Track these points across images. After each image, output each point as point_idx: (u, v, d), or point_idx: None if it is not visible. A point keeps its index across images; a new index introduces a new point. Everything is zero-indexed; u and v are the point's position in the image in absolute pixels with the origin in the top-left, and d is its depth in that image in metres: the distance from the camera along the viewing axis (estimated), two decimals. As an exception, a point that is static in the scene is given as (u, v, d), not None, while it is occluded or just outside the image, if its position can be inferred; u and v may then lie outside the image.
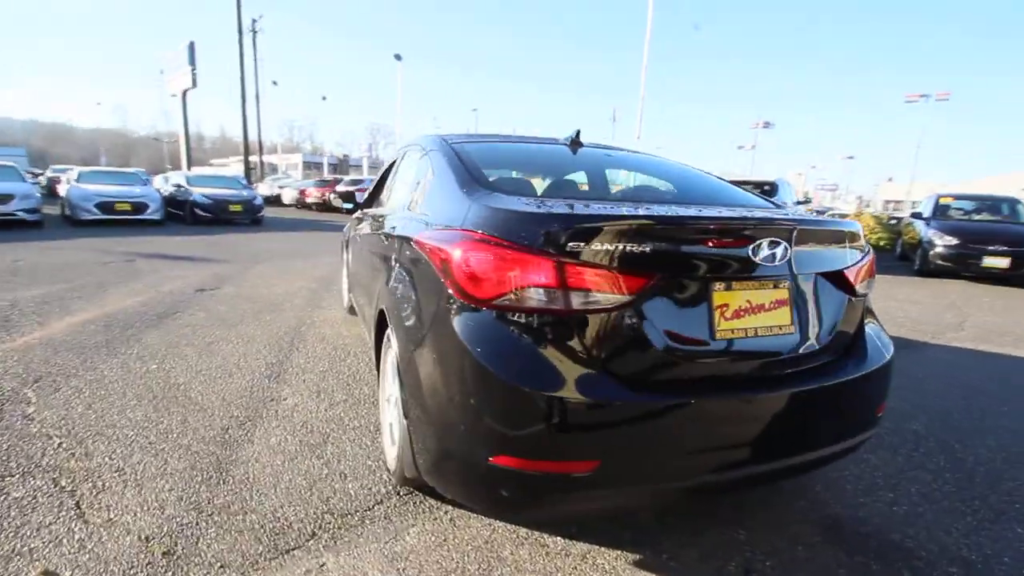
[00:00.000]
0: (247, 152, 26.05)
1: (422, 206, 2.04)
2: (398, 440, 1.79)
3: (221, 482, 1.95)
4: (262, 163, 31.58)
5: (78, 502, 1.80)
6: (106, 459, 2.08)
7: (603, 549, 1.67)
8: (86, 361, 3.17)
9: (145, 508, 1.78)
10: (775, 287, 1.49)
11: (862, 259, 1.70)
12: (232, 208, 12.95)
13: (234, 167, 37.11)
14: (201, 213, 12.60)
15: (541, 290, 1.30)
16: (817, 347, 1.54)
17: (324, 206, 21.06)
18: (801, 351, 1.51)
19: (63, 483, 1.90)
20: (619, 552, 1.66)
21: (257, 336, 3.82)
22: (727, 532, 1.78)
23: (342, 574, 1.51)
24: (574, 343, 1.30)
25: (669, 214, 1.46)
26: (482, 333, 1.35)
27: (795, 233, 1.47)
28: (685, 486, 1.40)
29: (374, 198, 3.83)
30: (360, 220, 3.75)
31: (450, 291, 1.42)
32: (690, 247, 1.37)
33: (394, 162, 3.46)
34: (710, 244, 1.38)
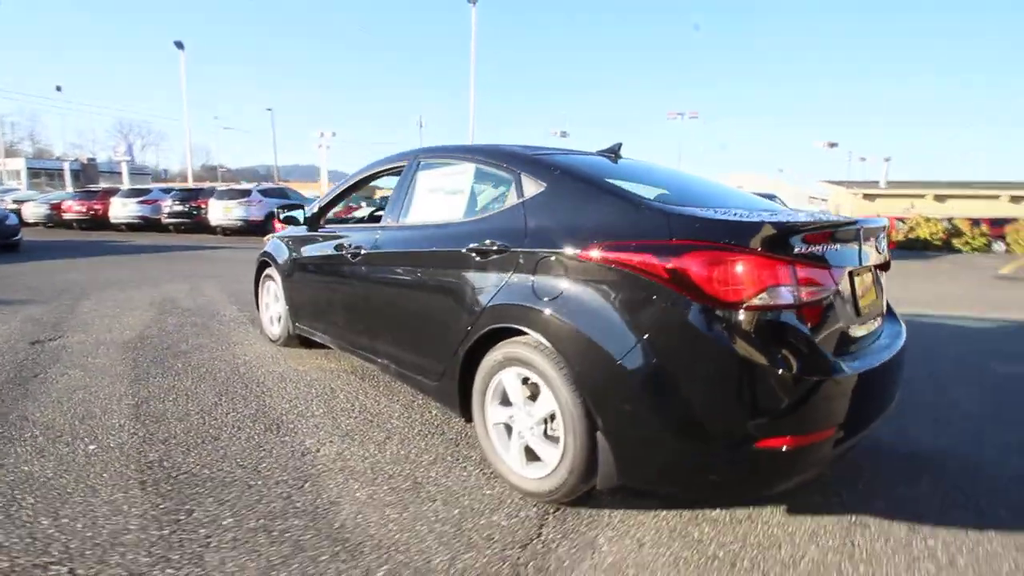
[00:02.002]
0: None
1: (518, 221, 2.00)
2: (569, 453, 1.76)
3: None
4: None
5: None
6: None
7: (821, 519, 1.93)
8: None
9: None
10: (868, 272, 1.92)
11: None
12: (-30, 232, 9.67)
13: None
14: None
15: (783, 288, 1.48)
16: (883, 319, 2.04)
17: (93, 223, 17.04)
18: (884, 323, 1.98)
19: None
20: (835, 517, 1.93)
21: (201, 392, 3.09)
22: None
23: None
24: (808, 331, 1.51)
25: (844, 219, 1.76)
26: (746, 331, 1.47)
27: (875, 231, 1.93)
28: (856, 441, 1.73)
29: (324, 216, 3.44)
30: (309, 240, 3.34)
31: (689, 298, 1.50)
32: (850, 245, 1.71)
33: (370, 175, 3.18)
34: (854, 242, 1.73)
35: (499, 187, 2.33)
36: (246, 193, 15.77)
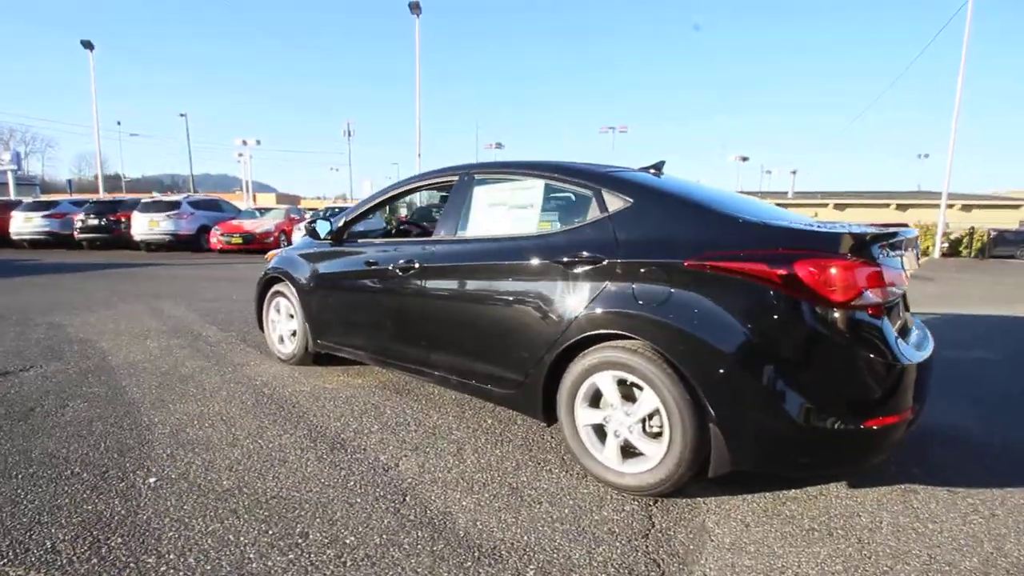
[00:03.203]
0: None
1: (606, 233, 2.15)
2: (677, 447, 1.91)
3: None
4: None
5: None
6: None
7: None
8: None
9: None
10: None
11: None
12: None
13: None
14: None
15: (876, 289, 1.73)
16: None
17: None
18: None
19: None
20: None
21: (235, 416, 2.93)
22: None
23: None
24: (891, 326, 1.78)
25: (901, 229, 2.01)
26: (851, 326, 1.71)
27: (913, 241, 2.24)
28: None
29: (347, 231, 3.40)
30: (338, 255, 3.30)
31: (800, 299, 1.71)
32: (901, 251, 2.01)
33: (406, 190, 3.19)
34: (902, 249, 2.04)
35: (576, 202, 2.47)
36: (175, 205, 14.67)
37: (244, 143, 36.94)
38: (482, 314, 2.54)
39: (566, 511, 2.01)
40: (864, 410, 1.71)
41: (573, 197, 2.49)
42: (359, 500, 2.07)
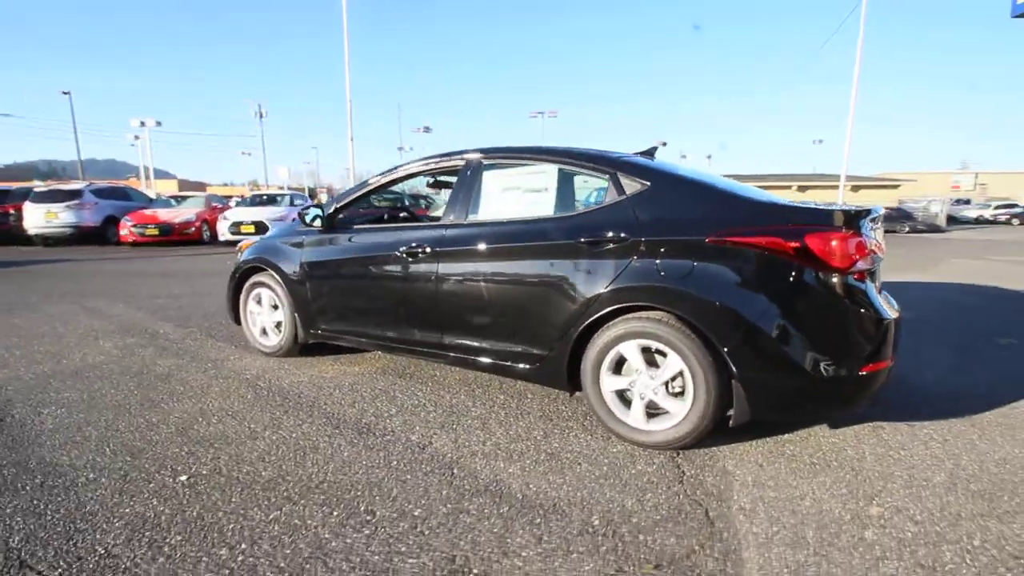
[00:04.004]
0: None
1: (626, 214, 2.33)
2: (700, 403, 2.14)
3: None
4: None
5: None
6: None
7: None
8: None
9: None
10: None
11: None
12: None
13: None
14: None
15: (868, 257, 2.04)
16: None
17: None
18: None
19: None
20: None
21: (241, 410, 2.84)
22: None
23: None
24: (874, 288, 2.10)
25: (876, 207, 2.33)
26: (852, 289, 2.00)
27: (880, 217, 2.61)
28: None
29: (337, 218, 3.35)
30: (333, 241, 3.25)
31: (810, 268, 1.98)
32: (875, 225, 2.35)
33: (404, 176, 3.20)
34: (875, 223, 2.38)
35: (592, 185, 2.62)
36: (76, 194, 13.16)
37: (142, 124, 33.47)
38: (502, 295, 2.64)
39: (605, 468, 2.20)
40: (860, 359, 2.03)
41: (588, 181, 2.64)
42: (409, 477, 2.13)
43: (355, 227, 3.27)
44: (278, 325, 3.66)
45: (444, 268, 2.77)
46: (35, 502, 1.95)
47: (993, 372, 3.41)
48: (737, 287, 2.10)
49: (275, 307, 3.65)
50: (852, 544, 1.71)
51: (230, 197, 20.33)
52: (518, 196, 2.70)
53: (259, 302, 3.73)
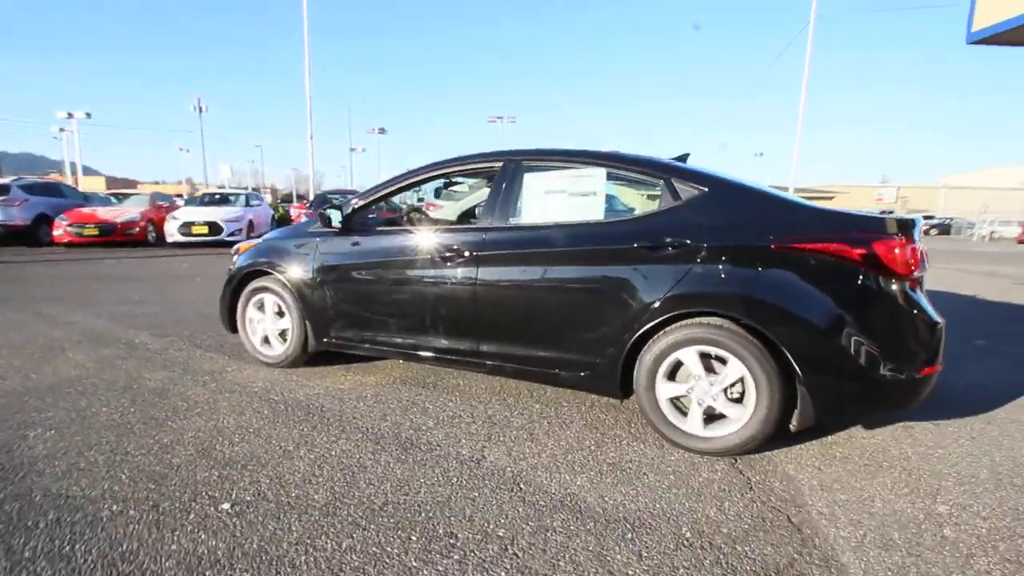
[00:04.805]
0: None
1: (683, 219, 2.33)
2: (763, 408, 2.15)
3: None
4: None
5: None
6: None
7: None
8: None
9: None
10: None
11: None
12: None
13: None
14: None
15: (920, 264, 2.12)
16: None
17: None
18: None
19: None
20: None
21: (261, 427, 2.60)
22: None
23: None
24: (925, 292, 2.19)
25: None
26: (911, 294, 2.08)
27: None
28: None
29: (355, 218, 3.16)
30: (355, 244, 3.07)
31: (875, 274, 2.03)
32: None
33: (432, 175, 3.07)
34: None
35: (644, 190, 2.58)
36: (3, 190, 11.92)
37: (70, 116, 30.81)
38: (549, 300, 2.57)
39: (672, 478, 2.16)
40: (919, 363, 2.10)
41: (641, 186, 2.61)
42: (476, 494, 2.02)
43: (379, 229, 3.10)
44: (282, 333, 3.42)
45: (485, 273, 2.67)
46: (57, 542, 1.70)
47: (985, 373, 3.66)
48: (804, 292, 2.12)
49: (279, 314, 3.41)
50: (937, 543, 1.76)
51: (179, 195, 19.10)
52: (563, 200, 2.63)
53: (261, 308, 3.47)
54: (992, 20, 5.39)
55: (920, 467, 2.27)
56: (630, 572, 1.60)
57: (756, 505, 1.97)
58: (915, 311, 2.11)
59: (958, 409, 2.93)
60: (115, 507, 1.89)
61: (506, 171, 2.76)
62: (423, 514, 1.88)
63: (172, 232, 12.27)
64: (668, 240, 2.32)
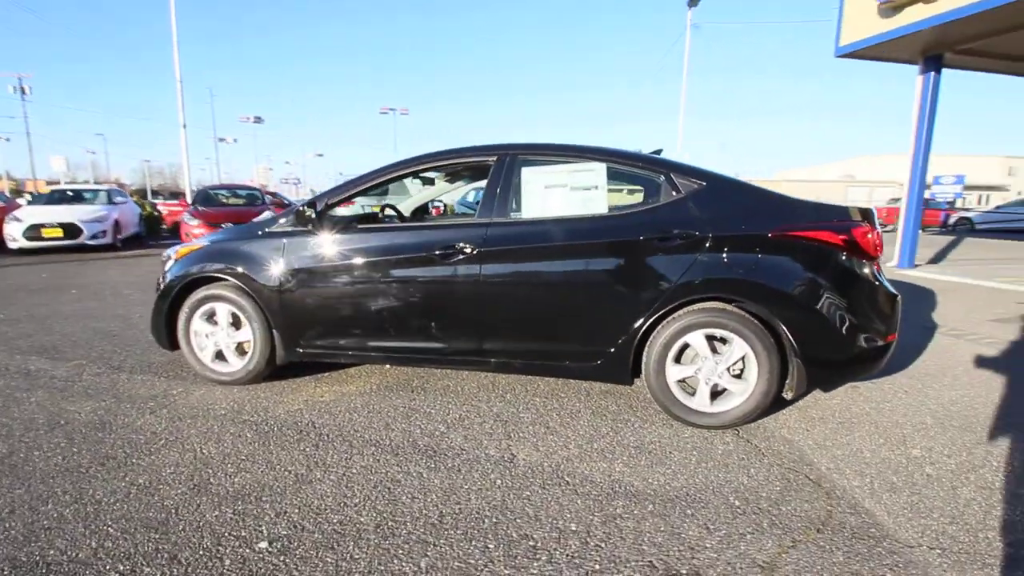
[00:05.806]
0: None
1: (686, 212, 2.48)
2: (763, 381, 2.37)
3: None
4: None
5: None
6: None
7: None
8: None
9: None
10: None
11: None
12: None
13: None
14: None
15: (881, 247, 2.47)
16: None
17: None
18: None
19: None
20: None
21: (254, 453, 2.29)
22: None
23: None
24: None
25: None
26: (879, 274, 2.39)
27: None
28: None
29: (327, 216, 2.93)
30: (329, 244, 2.83)
31: (853, 256, 2.33)
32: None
33: (411, 171, 2.93)
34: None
35: (645, 184, 2.67)
36: None
37: None
38: (558, 294, 2.58)
39: (694, 454, 2.31)
40: (886, 330, 2.46)
41: (641, 180, 2.70)
42: (528, 494, 1.99)
43: (361, 227, 2.87)
44: (240, 347, 3.05)
45: (489, 269, 2.61)
46: (65, 620, 1.38)
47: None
48: (797, 275, 2.38)
49: (234, 325, 3.03)
50: (927, 481, 2.08)
51: (20, 192, 15.96)
52: (564, 194, 2.65)
53: (212, 320, 3.06)
54: (856, 37, 6.38)
55: (880, 420, 2.66)
56: (707, 545, 1.70)
57: (776, 468, 2.18)
58: (881, 287, 2.47)
59: (885, 368, 3.46)
60: (124, 567, 1.58)
61: (502, 165, 2.72)
62: (488, 520, 1.82)
63: (15, 236, 10.19)
64: (677, 232, 2.46)
